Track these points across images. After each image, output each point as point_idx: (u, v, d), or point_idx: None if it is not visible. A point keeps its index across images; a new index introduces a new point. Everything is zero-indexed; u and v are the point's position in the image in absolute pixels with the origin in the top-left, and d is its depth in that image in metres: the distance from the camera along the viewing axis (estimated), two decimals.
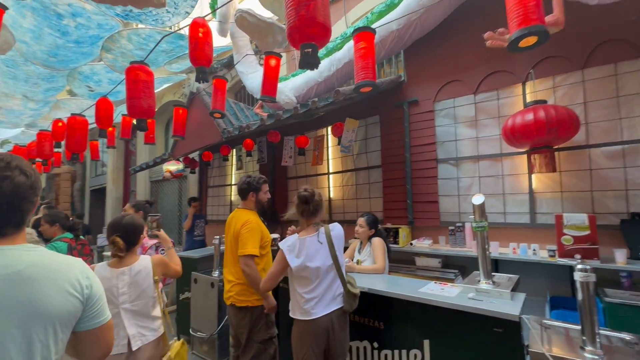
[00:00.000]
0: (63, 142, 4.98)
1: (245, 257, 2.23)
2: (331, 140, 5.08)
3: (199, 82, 2.34)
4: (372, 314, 2.25)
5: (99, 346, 0.94)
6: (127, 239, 1.68)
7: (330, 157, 5.10)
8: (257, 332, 2.34)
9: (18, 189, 0.83)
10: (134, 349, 1.57)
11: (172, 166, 4.80)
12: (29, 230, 2.63)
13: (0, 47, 3.90)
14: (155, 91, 6.53)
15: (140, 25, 4.13)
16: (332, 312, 1.90)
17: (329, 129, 4.98)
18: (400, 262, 3.71)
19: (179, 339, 1.94)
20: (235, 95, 6.83)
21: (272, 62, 2.96)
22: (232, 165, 6.20)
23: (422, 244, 3.70)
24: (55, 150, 5.89)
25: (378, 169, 4.40)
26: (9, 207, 0.82)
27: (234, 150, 5.62)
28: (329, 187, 5.04)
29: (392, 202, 4.17)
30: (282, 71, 5.56)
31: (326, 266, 1.91)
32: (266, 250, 2.45)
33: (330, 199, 4.98)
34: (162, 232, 2.36)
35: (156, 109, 6.81)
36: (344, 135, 3.90)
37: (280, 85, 4.43)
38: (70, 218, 3.05)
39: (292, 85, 4.50)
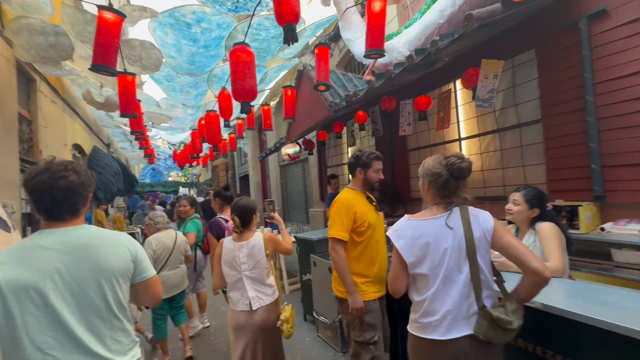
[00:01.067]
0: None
1: (331, 240, 1.97)
2: (461, 95, 4.03)
3: (289, 44, 2.02)
4: (546, 341, 1.48)
5: (149, 295, 1.27)
6: (242, 217, 1.97)
7: (460, 118, 4.08)
8: (352, 329, 2.01)
9: (70, 185, 1.11)
10: (254, 308, 1.88)
11: (290, 149, 4.93)
12: (161, 214, 3.08)
13: (154, 65, 4.66)
14: (273, 81, 6.83)
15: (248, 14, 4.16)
16: (463, 338, 1.28)
17: (457, 82, 3.94)
18: (583, 255, 2.55)
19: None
20: (345, 67, 6.45)
21: (376, 6, 2.36)
22: (346, 142, 5.95)
23: (625, 229, 2.42)
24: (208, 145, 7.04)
25: (536, 125, 3.18)
26: (65, 198, 1.11)
27: (346, 126, 5.31)
28: None
29: (562, 170, 2.92)
30: (393, 26, 4.76)
31: (455, 263, 1.31)
32: (363, 237, 2.01)
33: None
34: (276, 214, 2.47)
35: (277, 98, 7.20)
36: (479, 85, 2.91)
37: (391, 42, 3.73)
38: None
39: (406, 39, 3.71)
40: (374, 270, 2.02)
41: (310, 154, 5.90)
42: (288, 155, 4.60)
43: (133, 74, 4.28)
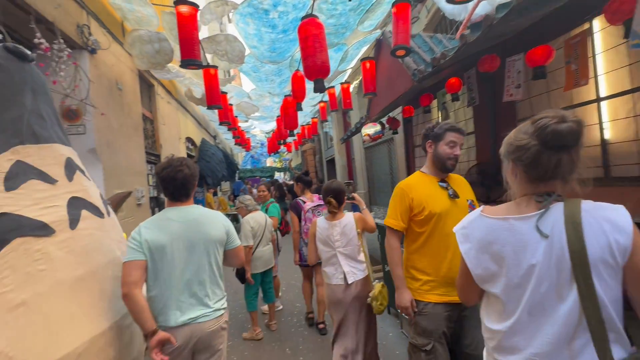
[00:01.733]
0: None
1: (386, 228, 1.80)
2: (601, 39, 2.98)
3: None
4: None
5: (235, 259, 1.72)
6: (337, 198, 2.10)
7: (600, 71, 3.03)
8: (410, 327, 1.75)
9: (185, 177, 1.56)
10: (349, 282, 2.01)
11: (370, 129, 4.57)
12: (249, 197, 3.24)
13: (238, 57, 4.91)
14: (355, 59, 6.47)
15: None
16: None
17: (595, 21, 2.91)
18: None
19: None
20: (435, 29, 5.62)
21: None
22: (438, 117, 5.22)
23: None
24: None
25: None
26: (182, 186, 1.58)
27: (436, 97, 4.61)
28: (600, 124, 3.05)
29: None
30: None
31: (551, 288, 0.84)
32: (424, 228, 1.68)
33: (604, 143, 3.01)
34: (356, 195, 2.48)
35: (360, 77, 6.86)
36: (637, 14, 2.02)
37: None
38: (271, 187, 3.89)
39: None
40: (442, 269, 1.66)
41: (395, 133, 5.42)
42: (368, 135, 4.26)
43: (215, 67, 4.60)
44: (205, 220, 1.59)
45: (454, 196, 1.71)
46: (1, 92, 1.21)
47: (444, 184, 1.75)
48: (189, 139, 9.15)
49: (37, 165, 1.24)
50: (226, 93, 6.65)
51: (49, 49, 2.92)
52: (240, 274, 2.93)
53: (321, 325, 3.10)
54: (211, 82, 3.49)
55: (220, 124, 7.10)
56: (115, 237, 1.58)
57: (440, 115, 4.96)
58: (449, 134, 1.69)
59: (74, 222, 1.29)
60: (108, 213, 1.65)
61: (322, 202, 3.03)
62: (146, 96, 6.27)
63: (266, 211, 3.86)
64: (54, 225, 1.20)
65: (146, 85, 6.22)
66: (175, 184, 1.55)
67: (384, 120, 5.41)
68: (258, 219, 3.21)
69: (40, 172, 1.22)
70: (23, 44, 2.92)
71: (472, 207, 1.74)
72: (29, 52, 1.36)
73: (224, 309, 1.61)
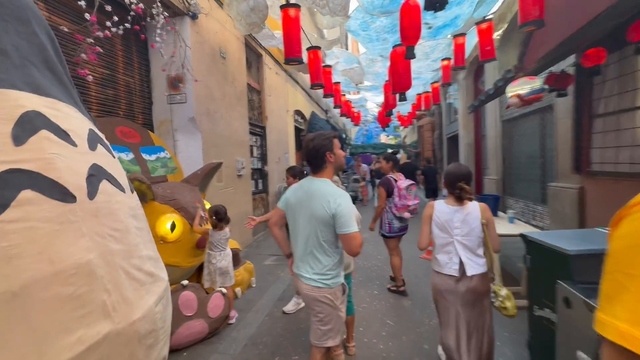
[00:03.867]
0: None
1: (604, 344, 0.55)
2: None
3: None
4: None
5: (348, 246, 1.56)
6: (468, 184, 1.88)
7: None
8: None
9: (308, 151, 1.67)
10: (468, 274, 1.82)
11: (522, 85, 2.97)
12: (336, 179, 2.56)
13: (342, 7, 4.09)
14: (497, 3, 4.74)
15: None
16: None
17: None
18: None
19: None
20: None
21: None
22: None
23: None
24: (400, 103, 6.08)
25: None
26: (309, 159, 1.67)
27: None
28: None
29: None
30: None
31: None
32: None
33: None
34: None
35: (505, 25, 5.03)
36: None
37: None
38: (305, 172, 3.19)
39: None
40: None
41: (562, 94, 3.60)
42: (518, 97, 2.76)
43: (318, 47, 4.43)
44: (317, 195, 1.58)
45: None
46: None
47: None
48: (297, 112, 9.09)
49: None
50: (331, 66, 6.02)
51: (140, 10, 2.80)
52: None
53: (402, 288, 3.31)
54: (316, 63, 3.19)
55: (325, 96, 6.56)
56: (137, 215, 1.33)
57: None
58: None
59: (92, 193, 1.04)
60: (131, 190, 1.35)
61: (412, 182, 3.38)
62: (254, 66, 6.23)
63: None
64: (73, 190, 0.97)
65: (254, 55, 6.15)
66: (307, 159, 1.68)
67: (543, 75, 3.66)
68: None
69: None
70: (116, 2, 2.95)
71: None
72: None
73: (321, 283, 1.60)
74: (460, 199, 1.88)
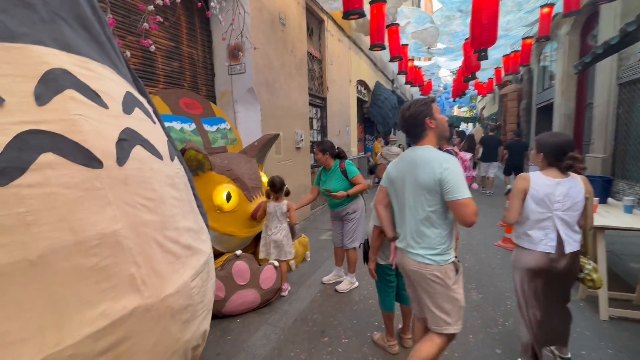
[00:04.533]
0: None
1: None
2: None
3: None
4: None
5: (460, 214, 1.39)
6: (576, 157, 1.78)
7: None
8: None
9: (405, 119, 1.56)
10: (566, 252, 1.71)
11: None
12: (397, 151, 2.33)
13: None
14: None
15: None
16: None
17: None
18: None
19: None
20: None
21: None
22: None
23: None
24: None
25: None
26: (407, 127, 1.58)
27: None
28: None
29: None
30: None
31: None
32: None
33: None
34: None
35: None
36: None
37: None
38: (337, 148, 2.91)
39: None
40: None
41: None
42: None
43: (383, 0, 3.94)
44: (420, 162, 1.47)
45: None
46: None
47: None
48: (360, 82, 8.57)
49: None
50: (398, 24, 5.37)
51: None
52: (365, 252, 2.07)
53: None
54: (378, 20, 2.81)
55: (390, 60, 5.97)
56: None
57: None
58: None
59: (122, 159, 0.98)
60: (170, 157, 1.25)
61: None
62: (315, 33, 5.92)
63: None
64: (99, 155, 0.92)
65: (315, 20, 5.81)
66: (404, 129, 1.60)
67: None
68: None
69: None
70: None
71: None
72: None
73: (428, 259, 1.47)
74: (567, 170, 1.71)
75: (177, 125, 2.90)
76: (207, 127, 3.20)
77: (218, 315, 2.34)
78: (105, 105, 1.01)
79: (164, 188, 1.14)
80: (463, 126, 19.41)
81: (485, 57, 3.86)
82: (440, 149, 3.28)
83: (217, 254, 2.76)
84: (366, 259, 2.00)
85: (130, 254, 0.93)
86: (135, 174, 1.02)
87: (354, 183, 2.72)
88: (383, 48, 4.11)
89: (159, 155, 1.17)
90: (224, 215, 2.60)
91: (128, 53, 2.53)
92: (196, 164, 2.46)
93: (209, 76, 3.83)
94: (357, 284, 2.89)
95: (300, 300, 2.66)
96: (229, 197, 2.59)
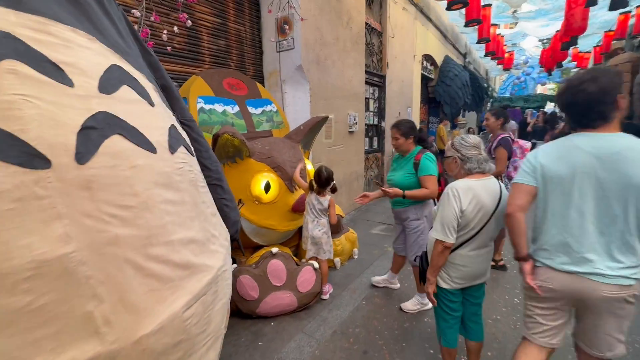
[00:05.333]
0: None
1: None
2: None
3: None
4: None
5: None
6: None
7: None
8: None
9: (588, 96, 1.17)
10: None
11: None
12: (474, 142, 1.51)
13: None
14: None
15: None
16: None
17: None
18: None
19: None
20: None
21: None
22: None
23: None
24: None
25: None
26: (588, 108, 1.19)
27: None
28: None
29: None
30: None
31: None
32: None
33: None
34: None
35: None
36: None
37: None
38: (419, 129, 2.38)
39: None
40: None
41: None
42: None
43: None
44: (632, 156, 1.12)
45: None
46: None
47: None
48: (426, 57, 7.61)
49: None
50: None
51: None
52: (422, 269, 1.61)
53: (501, 262, 2.93)
54: None
55: (466, 24, 5.06)
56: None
57: None
58: None
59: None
60: (167, 149, 1.00)
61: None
62: (376, 2, 5.26)
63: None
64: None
65: None
66: (577, 109, 1.23)
67: None
68: (480, 191, 1.45)
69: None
70: None
71: None
72: None
73: (632, 279, 1.17)
74: None
75: (219, 107, 2.72)
76: (251, 110, 2.98)
77: (252, 316, 2.16)
78: (69, 82, 0.76)
79: (153, 190, 0.88)
80: (550, 107, 16.59)
81: (595, 3, 2.88)
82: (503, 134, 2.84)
83: (255, 247, 2.59)
84: (423, 278, 1.58)
85: (88, 284, 0.69)
86: (106, 174, 0.77)
87: (421, 183, 2.10)
88: (479, 23, 3.38)
89: (149, 147, 0.91)
90: (262, 206, 2.38)
91: (176, 29, 2.38)
92: (233, 150, 2.25)
93: (257, 55, 3.59)
94: (429, 306, 2.30)
95: (342, 307, 2.36)
96: (267, 188, 2.35)
